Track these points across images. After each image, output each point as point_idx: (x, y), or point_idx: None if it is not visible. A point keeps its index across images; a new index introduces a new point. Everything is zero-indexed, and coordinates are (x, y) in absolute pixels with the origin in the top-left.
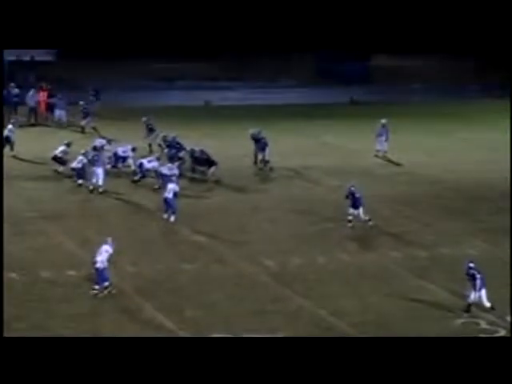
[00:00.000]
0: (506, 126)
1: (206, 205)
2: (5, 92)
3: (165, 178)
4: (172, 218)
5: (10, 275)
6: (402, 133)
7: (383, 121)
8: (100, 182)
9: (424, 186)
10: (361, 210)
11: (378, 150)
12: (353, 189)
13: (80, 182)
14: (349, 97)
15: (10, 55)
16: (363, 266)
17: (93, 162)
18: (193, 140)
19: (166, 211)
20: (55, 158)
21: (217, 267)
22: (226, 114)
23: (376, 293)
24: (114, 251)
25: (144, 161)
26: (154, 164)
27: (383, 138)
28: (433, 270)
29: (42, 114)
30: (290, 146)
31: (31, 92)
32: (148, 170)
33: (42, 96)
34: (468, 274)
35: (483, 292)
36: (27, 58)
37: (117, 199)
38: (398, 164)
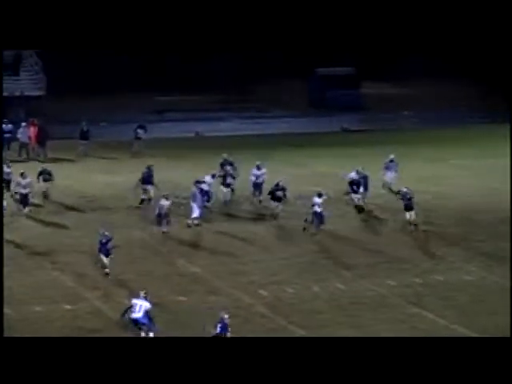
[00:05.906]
0: (503, 151)
1: (202, 236)
2: None
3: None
4: None
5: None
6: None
7: (391, 156)
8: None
9: (420, 213)
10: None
11: (386, 183)
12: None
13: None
14: (340, 125)
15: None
16: (358, 294)
17: (191, 198)
18: (184, 169)
19: None
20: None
21: (212, 299)
22: (217, 144)
23: (372, 321)
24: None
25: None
26: None
27: (392, 172)
28: (428, 297)
29: (33, 149)
30: (282, 175)
31: (22, 127)
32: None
33: (33, 131)
34: None
35: None
36: (18, 94)
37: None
38: (394, 192)
